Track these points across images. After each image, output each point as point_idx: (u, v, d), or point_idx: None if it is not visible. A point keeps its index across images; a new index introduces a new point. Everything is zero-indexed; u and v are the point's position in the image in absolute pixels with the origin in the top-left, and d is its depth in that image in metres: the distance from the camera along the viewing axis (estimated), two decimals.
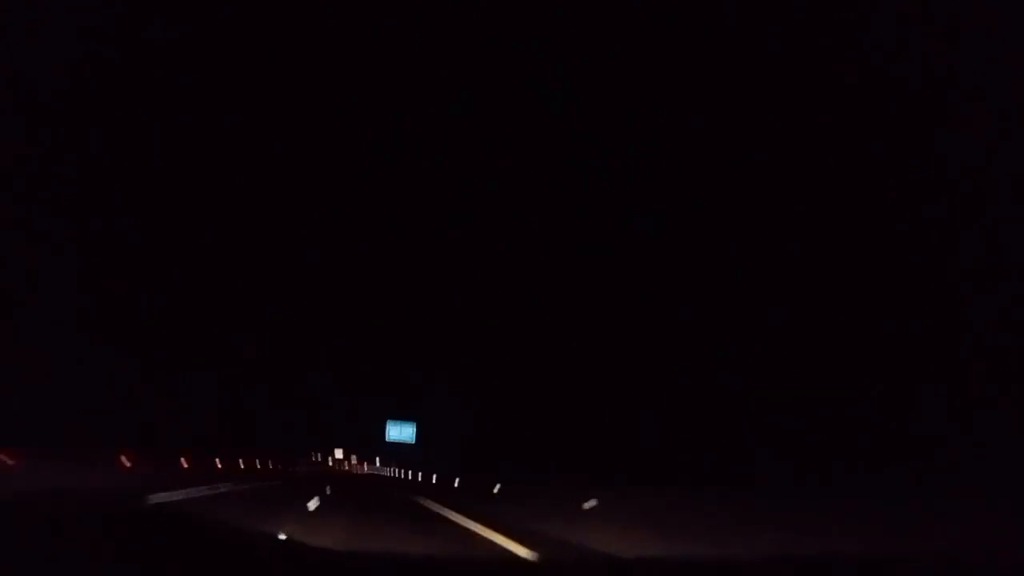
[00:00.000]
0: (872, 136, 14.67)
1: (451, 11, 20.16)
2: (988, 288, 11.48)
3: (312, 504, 14.19)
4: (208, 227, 35.08)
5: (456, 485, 27.29)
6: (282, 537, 2.86)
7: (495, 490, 18.99)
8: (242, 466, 36.28)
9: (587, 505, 10.59)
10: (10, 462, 13.25)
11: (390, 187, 37.70)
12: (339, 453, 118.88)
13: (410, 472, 45.43)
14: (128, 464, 18.99)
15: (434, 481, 33.80)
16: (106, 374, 25.10)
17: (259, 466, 41.61)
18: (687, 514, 8.55)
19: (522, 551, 7.93)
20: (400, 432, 51.78)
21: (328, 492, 19.92)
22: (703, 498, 9.40)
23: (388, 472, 73.53)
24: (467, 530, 11.03)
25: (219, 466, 30.28)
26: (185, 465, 24.59)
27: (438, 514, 14.41)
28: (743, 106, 17.74)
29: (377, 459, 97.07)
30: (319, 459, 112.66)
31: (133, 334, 29.02)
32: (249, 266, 42.11)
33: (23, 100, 19.17)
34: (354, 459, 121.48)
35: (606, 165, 23.29)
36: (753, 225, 17.45)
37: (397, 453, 56.55)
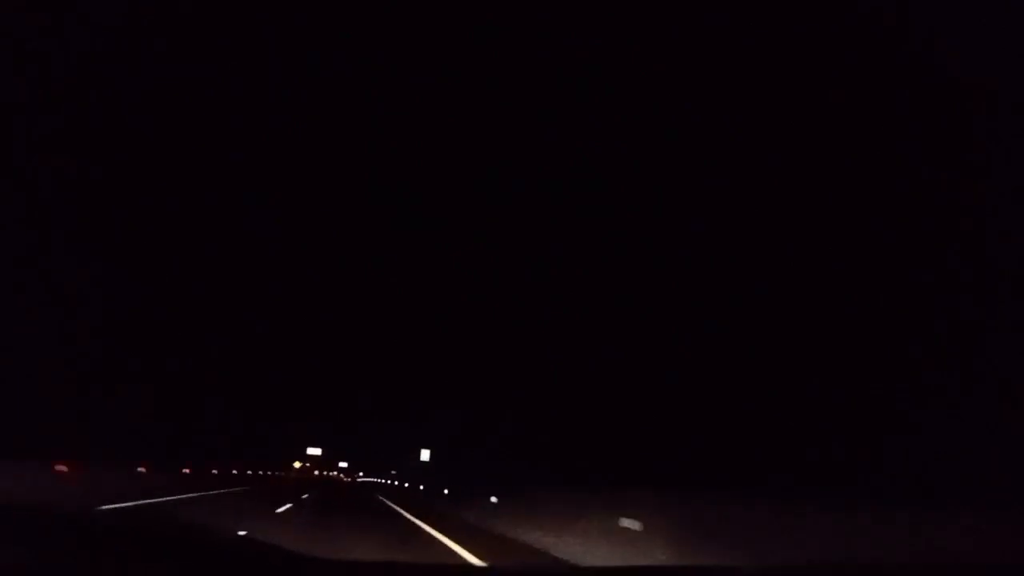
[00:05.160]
0: (872, 136, 14.65)
1: (451, 11, 20.14)
2: (989, 289, 11.44)
3: None
4: (207, 232, 35.04)
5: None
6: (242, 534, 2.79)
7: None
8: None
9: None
10: None
11: (391, 192, 37.69)
12: (314, 451, 78.91)
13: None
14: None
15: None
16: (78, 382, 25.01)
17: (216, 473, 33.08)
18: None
19: (474, 559, 8.34)
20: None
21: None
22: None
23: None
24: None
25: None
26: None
27: None
28: (743, 106, 17.72)
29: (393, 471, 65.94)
30: (304, 465, 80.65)
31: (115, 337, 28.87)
32: (250, 273, 41.96)
33: (22, 101, 19.16)
34: (343, 464, 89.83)
35: (606, 166, 23.26)
36: (754, 226, 17.42)
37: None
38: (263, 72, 25.96)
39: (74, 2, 18.33)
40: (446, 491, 21.86)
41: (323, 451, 79.03)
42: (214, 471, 33.32)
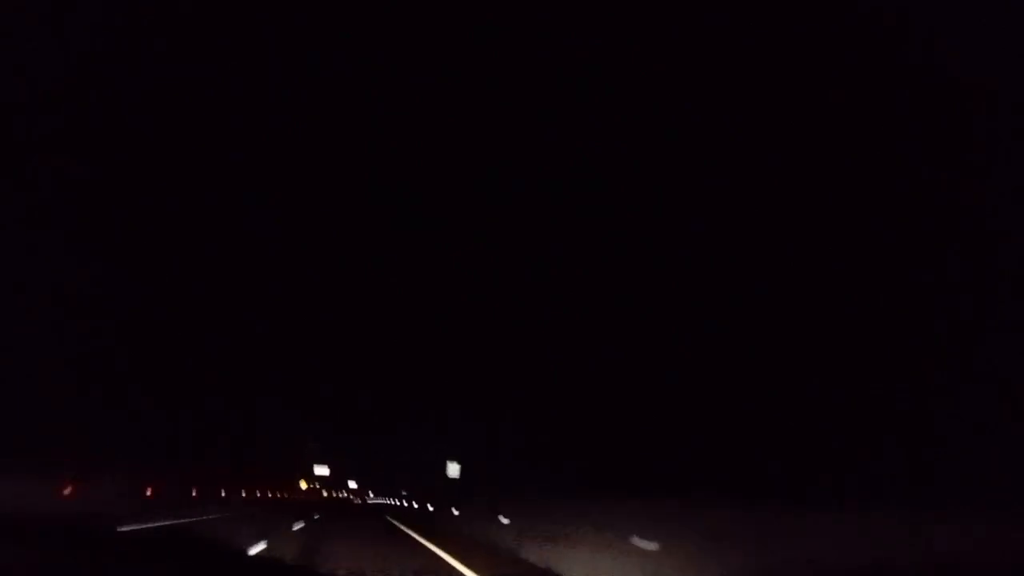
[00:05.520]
0: (872, 136, 14.65)
1: (451, 11, 20.12)
2: (989, 289, 11.44)
3: None
4: (207, 232, 35.07)
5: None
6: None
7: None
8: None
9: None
10: None
11: (391, 192, 37.72)
12: (322, 470, 73.48)
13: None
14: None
15: None
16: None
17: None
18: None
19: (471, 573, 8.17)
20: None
21: None
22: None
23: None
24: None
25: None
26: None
27: None
28: (743, 106, 17.71)
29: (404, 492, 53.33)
30: (312, 486, 73.79)
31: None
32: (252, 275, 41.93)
33: (22, 101, 19.16)
34: (353, 484, 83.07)
35: (606, 166, 23.26)
36: (754, 226, 17.42)
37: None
38: (263, 72, 25.98)
39: (74, 2, 18.33)
40: (504, 520, 14.11)
41: (331, 470, 73.77)
42: (193, 493, 29.23)
